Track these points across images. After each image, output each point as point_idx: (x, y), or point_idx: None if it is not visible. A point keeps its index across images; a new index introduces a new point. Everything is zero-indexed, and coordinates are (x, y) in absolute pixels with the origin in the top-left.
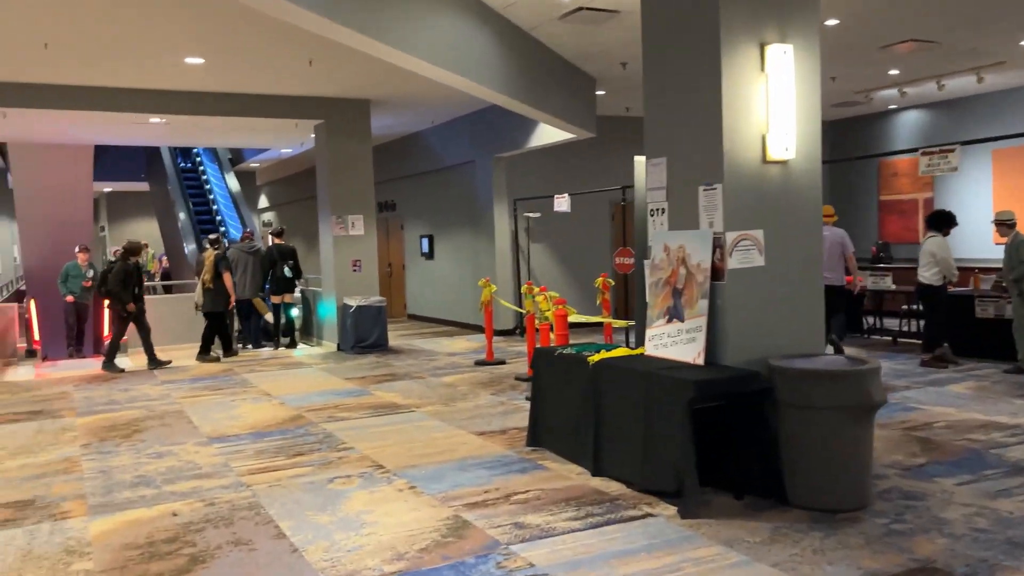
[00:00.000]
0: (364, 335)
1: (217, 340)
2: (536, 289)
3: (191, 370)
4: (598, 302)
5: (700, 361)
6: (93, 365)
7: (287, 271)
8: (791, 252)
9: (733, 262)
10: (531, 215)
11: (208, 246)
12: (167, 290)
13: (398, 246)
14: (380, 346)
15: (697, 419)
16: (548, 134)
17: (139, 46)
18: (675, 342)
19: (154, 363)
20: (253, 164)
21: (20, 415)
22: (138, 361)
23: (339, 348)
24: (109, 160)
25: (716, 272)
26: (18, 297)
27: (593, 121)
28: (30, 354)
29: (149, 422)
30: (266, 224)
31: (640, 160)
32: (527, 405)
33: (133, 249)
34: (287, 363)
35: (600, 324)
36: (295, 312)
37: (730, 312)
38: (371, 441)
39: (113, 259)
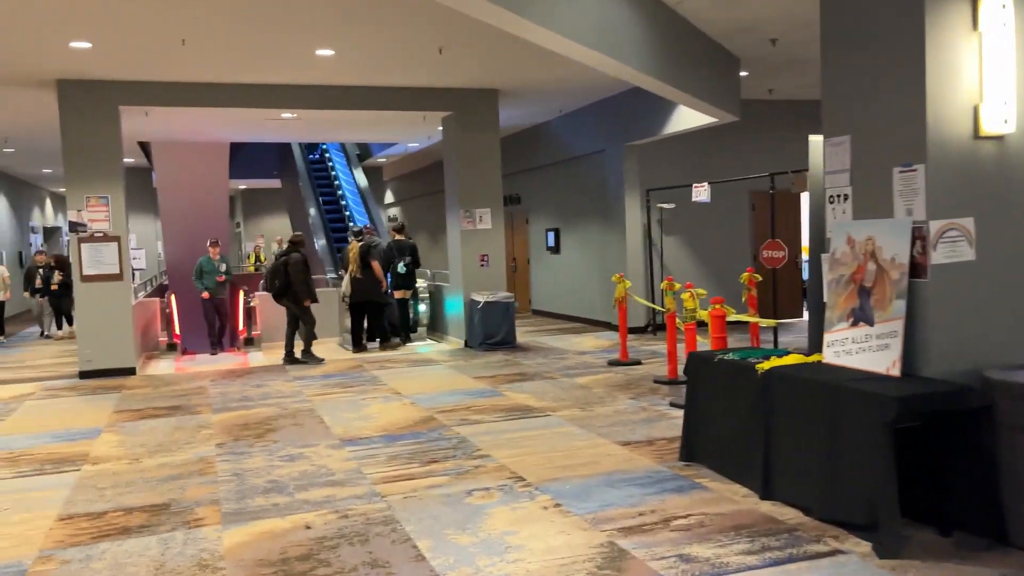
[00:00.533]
0: (492, 331)
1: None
2: (676, 285)
3: (322, 366)
4: (744, 299)
5: (896, 372)
6: (230, 360)
7: (402, 267)
8: (1008, 244)
9: (938, 256)
10: (665, 206)
11: (352, 238)
12: None
13: (523, 240)
14: (508, 343)
15: (896, 441)
16: (685, 119)
17: (271, 39)
18: (862, 349)
19: (309, 357)
20: (380, 159)
21: (160, 410)
22: (271, 355)
23: (466, 344)
24: (243, 158)
25: (916, 268)
26: (161, 292)
27: (737, 104)
28: (170, 347)
29: (282, 421)
30: (391, 219)
31: (816, 140)
32: (673, 412)
33: (301, 240)
34: (415, 360)
35: (744, 323)
36: (423, 308)
37: (934, 315)
38: (508, 448)
39: (279, 251)
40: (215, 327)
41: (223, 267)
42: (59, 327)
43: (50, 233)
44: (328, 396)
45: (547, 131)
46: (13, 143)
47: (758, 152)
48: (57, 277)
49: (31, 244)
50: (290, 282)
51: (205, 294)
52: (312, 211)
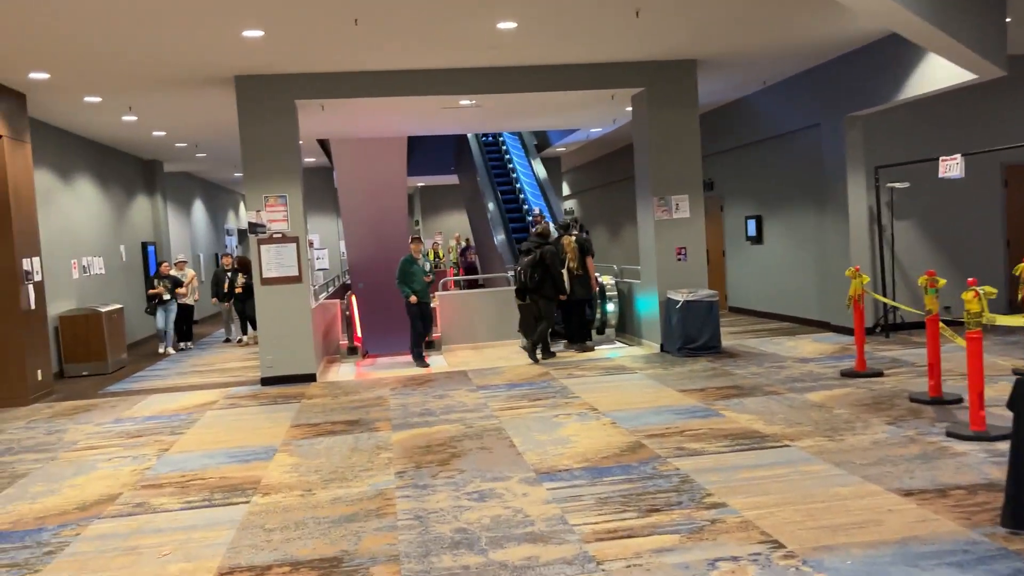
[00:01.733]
0: (693, 335)
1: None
2: (941, 281)
3: (504, 373)
4: (1021, 296)
5: None
6: (410, 366)
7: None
8: None
9: None
10: (897, 185)
11: (562, 231)
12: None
13: (717, 230)
14: (712, 348)
15: None
16: (928, 80)
17: (449, 12)
18: None
19: (547, 353)
20: (559, 148)
21: (337, 426)
22: (453, 360)
23: (662, 349)
24: (420, 155)
25: None
26: (344, 292)
27: (1003, 55)
28: (351, 351)
29: (467, 443)
30: (567, 212)
31: None
32: (955, 446)
33: (547, 231)
34: (607, 367)
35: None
36: (611, 307)
37: None
38: (747, 494)
39: (540, 237)
40: (422, 336)
41: (427, 266)
42: (244, 332)
43: (244, 236)
44: (516, 411)
45: (745, 107)
46: (204, 148)
47: (1011, 119)
48: (240, 280)
49: (226, 247)
50: (547, 276)
51: (413, 298)
52: (491, 205)
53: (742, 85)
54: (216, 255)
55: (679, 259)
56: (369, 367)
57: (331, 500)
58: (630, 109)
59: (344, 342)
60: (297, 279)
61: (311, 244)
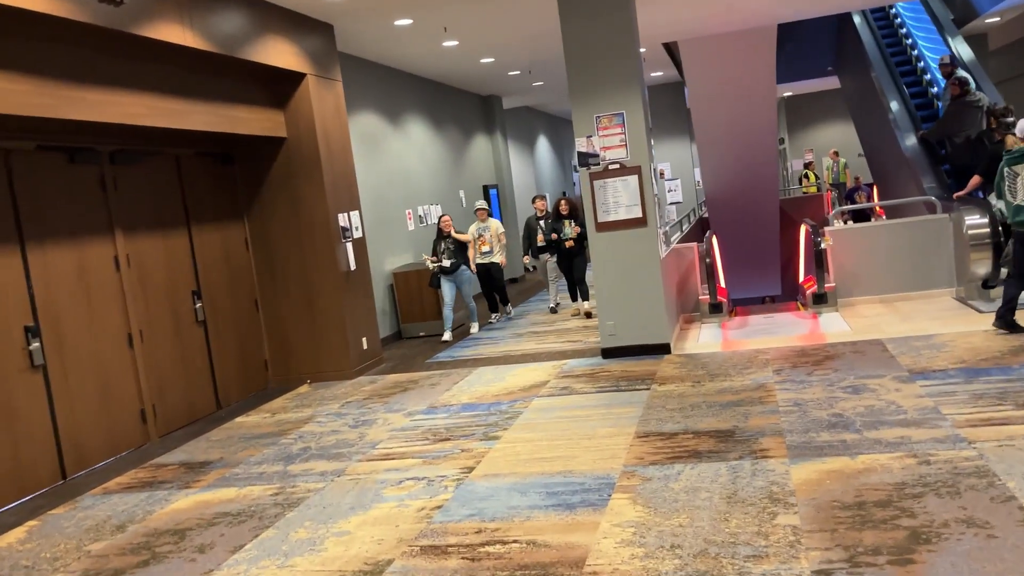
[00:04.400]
0: None
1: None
2: None
3: (949, 347)
4: None
5: None
6: (794, 326)
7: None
8: None
9: None
10: None
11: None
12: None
13: None
14: None
15: None
16: None
17: None
18: None
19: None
20: (990, 19)
21: (702, 439)
22: (856, 321)
23: None
24: (786, 57)
25: None
26: (701, 230)
27: None
28: (714, 308)
29: (940, 506)
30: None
31: None
32: None
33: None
34: None
35: None
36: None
37: None
38: None
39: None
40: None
41: (565, 230)
42: (573, 297)
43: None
44: (1003, 430)
45: None
46: (539, 74)
47: None
48: (571, 230)
49: (575, 184)
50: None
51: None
52: (895, 105)
53: None
54: (563, 193)
55: None
56: (738, 331)
57: None
58: None
59: (705, 296)
60: (641, 222)
61: (661, 175)
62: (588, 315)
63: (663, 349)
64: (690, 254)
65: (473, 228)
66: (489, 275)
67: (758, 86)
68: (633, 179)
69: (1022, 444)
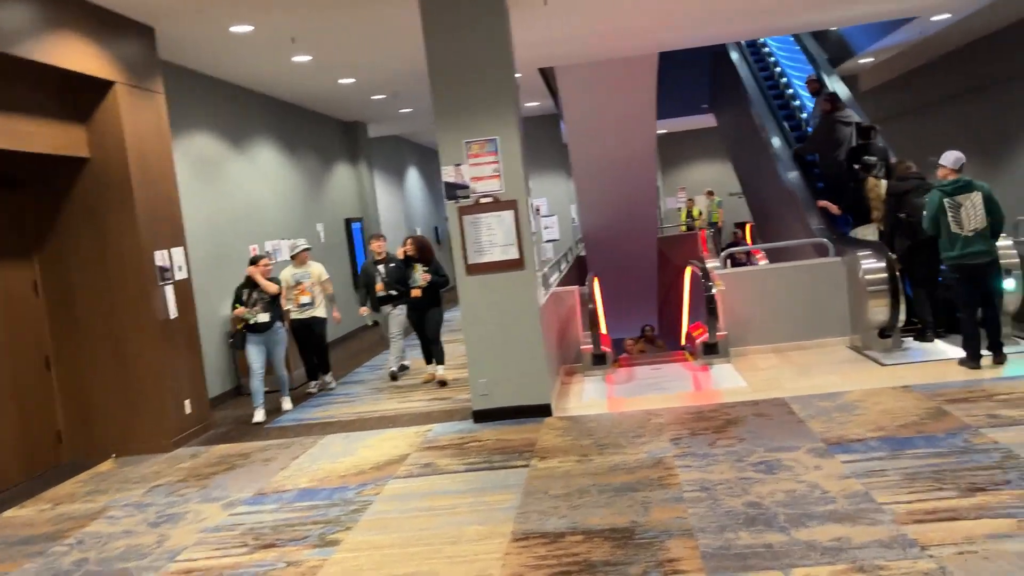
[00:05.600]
0: None
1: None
2: None
3: (861, 409)
4: None
5: None
6: (681, 381)
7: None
8: None
9: None
10: None
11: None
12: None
13: None
14: None
15: None
16: None
17: None
18: None
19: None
20: (863, 60)
21: (595, 543)
22: (752, 374)
23: None
24: (662, 94)
25: None
26: (578, 269)
27: None
28: (597, 360)
29: None
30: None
31: None
32: None
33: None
34: None
35: None
36: (1010, 285)
37: None
38: None
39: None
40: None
41: (415, 275)
42: (427, 359)
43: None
44: (958, 529)
45: None
46: (407, 100)
47: None
48: (420, 276)
49: (447, 219)
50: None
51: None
52: (776, 141)
53: None
54: (436, 230)
55: None
56: (625, 386)
57: None
58: None
59: (588, 346)
60: (518, 263)
61: (537, 211)
62: (443, 383)
63: (543, 411)
64: (570, 298)
65: (287, 273)
66: (309, 333)
67: (639, 118)
68: (508, 215)
69: (985, 551)
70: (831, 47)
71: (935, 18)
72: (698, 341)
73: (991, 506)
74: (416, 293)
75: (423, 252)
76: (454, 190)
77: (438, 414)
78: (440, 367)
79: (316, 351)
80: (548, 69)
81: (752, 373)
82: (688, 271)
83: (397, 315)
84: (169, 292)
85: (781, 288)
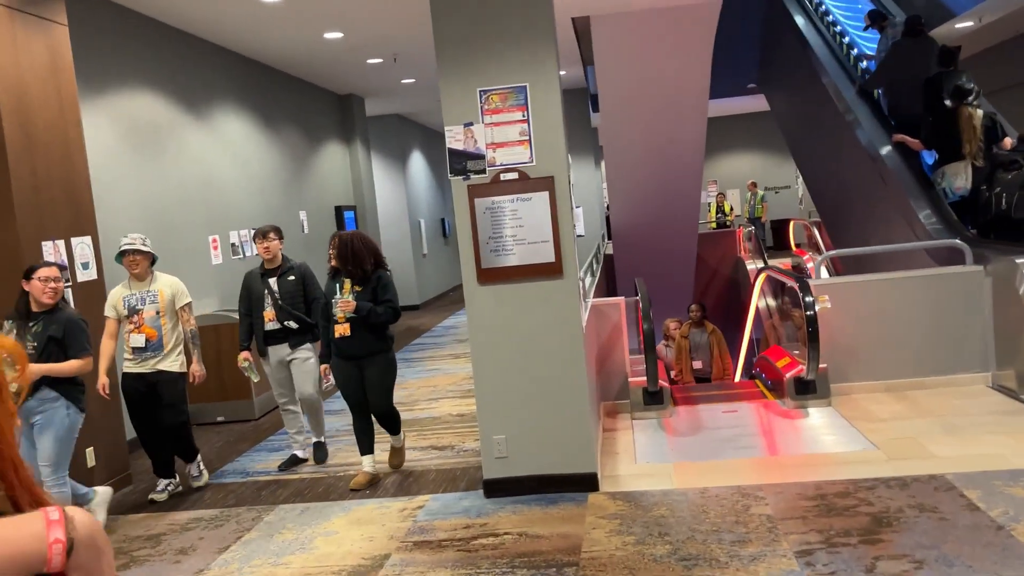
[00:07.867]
0: None
1: None
2: None
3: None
4: None
5: None
6: (759, 427)
7: None
8: None
9: None
10: None
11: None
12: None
13: None
14: None
15: None
16: None
17: None
18: None
19: None
20: (961, 24)
21: None
22: (868, 424)
23: None
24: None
25: None
26: (606, 272)
27: None
28: (650, 397)
29: None
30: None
31: None
32: None
33: None
34: None
35: None
36: None
37: None
38: None
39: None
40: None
41: (338, 290)
42: (363, 450)
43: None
44: None
45: None
46: (407, 64)
47: None
48: (346, 292)
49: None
50: None
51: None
52: (862, 111)
53: None
54: (443, 221)
55: None
56: (692, 439)
57: None
58: None
59: (639, 379)
60: (553, 269)
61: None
62: (396, 466)
63: (587, 483)
64: (614, 314)
65: (118, 296)
66: (153, 398)
67: (688, 88)
68: (541, 199)
69: None
70: (923, 11)
71: None
72: (788, 376)
73: None
74: (341, 331)
75: (354, 260)
76: (463, 161)
77: (435, 474)
78: (394, 440)
79: (168, 429)
80: (582, 24)
81: (870, 425)
82: (761, 279)
83: (301, 363)
84: (68, 298)
85: (896, 305)
